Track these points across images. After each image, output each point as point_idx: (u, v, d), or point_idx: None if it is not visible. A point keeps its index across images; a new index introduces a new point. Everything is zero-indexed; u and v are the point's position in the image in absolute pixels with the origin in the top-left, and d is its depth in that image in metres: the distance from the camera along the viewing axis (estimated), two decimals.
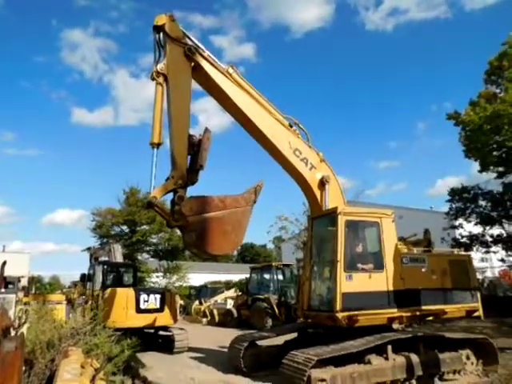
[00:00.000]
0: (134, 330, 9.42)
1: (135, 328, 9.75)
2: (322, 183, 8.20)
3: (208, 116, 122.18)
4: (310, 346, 6.48)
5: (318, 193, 8.23)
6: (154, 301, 10.65)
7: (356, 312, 6.79)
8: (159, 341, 11.19)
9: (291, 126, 8.20)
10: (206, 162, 6.50)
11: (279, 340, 8.70)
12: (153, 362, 8.99)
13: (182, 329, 11.12)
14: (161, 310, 10.64)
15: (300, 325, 8.79)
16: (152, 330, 11.07)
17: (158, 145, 6.22)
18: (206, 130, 6.70)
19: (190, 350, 10.81)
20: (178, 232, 31.89)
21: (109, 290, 10.86)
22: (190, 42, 7.08)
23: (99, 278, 12.81)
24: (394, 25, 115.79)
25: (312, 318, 7.79)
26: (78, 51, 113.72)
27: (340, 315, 6.65)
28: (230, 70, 7.61)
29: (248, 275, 19.24)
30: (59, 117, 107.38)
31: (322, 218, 8.18)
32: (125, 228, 29.05)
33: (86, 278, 13.78)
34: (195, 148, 6.48)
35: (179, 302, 22.08)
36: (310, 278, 7.79)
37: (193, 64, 7.03)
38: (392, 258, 7.42)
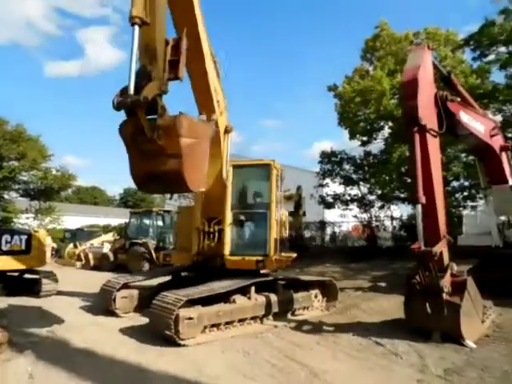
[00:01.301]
0: None
1: None
2: (226, 131, 8.28)
3: (97, 49, 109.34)
4: (182, 288, 6.78)
5: (222, 139, 8.18)
6: (18, 242, 9.89)
7: (280, 256, 7.78)
8: (25, 284, 10.57)
9: None
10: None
11: (155, 283, 9.04)
12: (16, 307, 8.56)
13: (50, 272, 10.65)
14: (26, 251, 9.97)
15: (174, 268, 9.18)
16: (16, 273, 10.39)
17: (143, 23, 4.49)
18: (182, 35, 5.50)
19: (60, 293, 10.48)
20: (54, 171, 29.36)
21: None
22: None
23: None
24: None
25: (230, 262, 7.81)
26: None
27: (273, 258, 7.53)
28: None
29: (128, 220, 18.95)
30: None
31: (248, 168, 8.64)
32: None
33: None
34: (169, 50, 5.00)
35: (51, 244, 20.71)
36: (230, 224, 7.94)
37: None
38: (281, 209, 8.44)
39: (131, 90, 4.21)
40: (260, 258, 7.59)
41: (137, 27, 4.40)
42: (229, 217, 7.98)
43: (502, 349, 5.53)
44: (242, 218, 8.05)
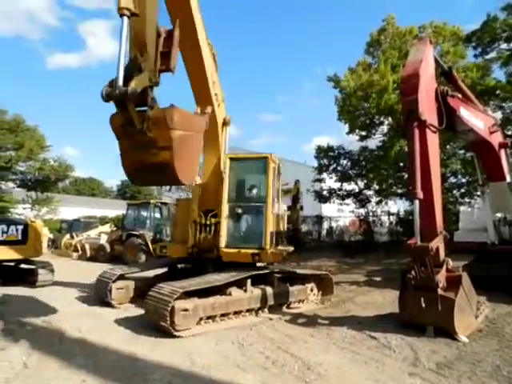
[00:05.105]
0: None
1: None
2: (224, 123, 8.32)
3: (98, 41, 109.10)
4: (178, 280, 6.79)
5: (220, 132, 8.26)
6: (14, 232, 9.90)
7: (277, 249, 7.73)
8: (20, 274, 10.57)
9: None
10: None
11: (151, 274, 9.06)
12: (11, 296, 8.56)
13: (46, 262, 10.64)
14: (23, 242, 9.97)
15: (170, 260, 9.19)
16: (12, 263, 10.39)
17: (132, 14, 4.40)
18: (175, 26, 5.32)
19: (56, 284, 10.49)
20: (52, 161, 29.31)
21: None
22: None
23: None
24: None
25: (228, 255, 7.79)
26: None
27: (269, 251, 7.47)
28: None
29: (125, 211, 18.95)
30: None
31: (245, 161, 8.56)
32: None
33: None
34: (161, 41, 4.97)
35: (47, 234, 20.70)
36: (227, 216, 7.89)
37: None
38: (280, 202, 8.51)
39: (120, 82, 4.17)
40: (256, 251, 7.54)
41: (125, 18, 4.33)
42: (225, 209, 7.93)
43: (493, 344, 5.56)
44: (239, 210, 8.00)
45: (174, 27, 4.96)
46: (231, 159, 8.25)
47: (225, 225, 7.85)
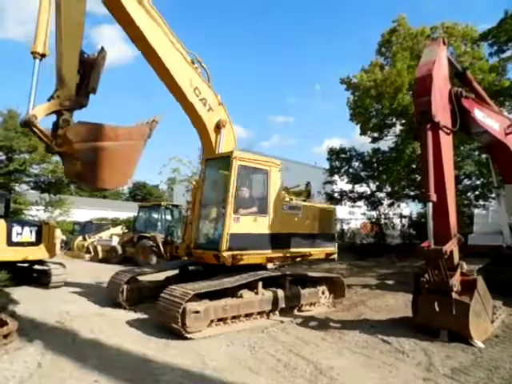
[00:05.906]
0: (4, 264, 8.92)
1: (6, 262, 9.20)
2: (218, 126, 8.33)
3: (109, 46, 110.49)
4: (189, 282, 6.83)
5: (213, 136, 8.31)
6: (28, 233, 10.04)
7: (240, 252, 7.28)
8: (34, 275, 10.71)
9: (193, 63, 7.87)
10: (98, 85, 5.96)
11: (162, 276, 9.09)
12: (25, 297, 8.65)
13: (59, 263, 10.76)
14: (37, 243, 10.11)
15: (181, 262, 9.21)
16: (26, 264, 10.53)
17: (42, 56, 5.26)
18: (102, 49, 6.03)
19: (68, 285, 10.59)
20: None
21: None
22: None
23: None
24: None
25: (198, 256, 7.87)
26: None
27: (225, 254, 7.08)
28: None
29: (136, 213, 19.07)
30: None
31: (215, 160, 8.31)
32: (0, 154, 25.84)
33: None
34: (87, 68, 5.81)
35: (60, 236, 20.92)
36: (198, 217, 7.87)
37: None
38: (275, 204, 8.09)
39: (29, 111, 5.17)
40: (215, 253, 7.31)
41: (37, 60, 5.25)
42: (197, 210, 7.91)
43: (511, 349, 5.44)
44: (205, 212, 7.97)
45: (100, 51, 5.97)
46: (207, 160, 8.22)
47: (195, 226, 7.87)
